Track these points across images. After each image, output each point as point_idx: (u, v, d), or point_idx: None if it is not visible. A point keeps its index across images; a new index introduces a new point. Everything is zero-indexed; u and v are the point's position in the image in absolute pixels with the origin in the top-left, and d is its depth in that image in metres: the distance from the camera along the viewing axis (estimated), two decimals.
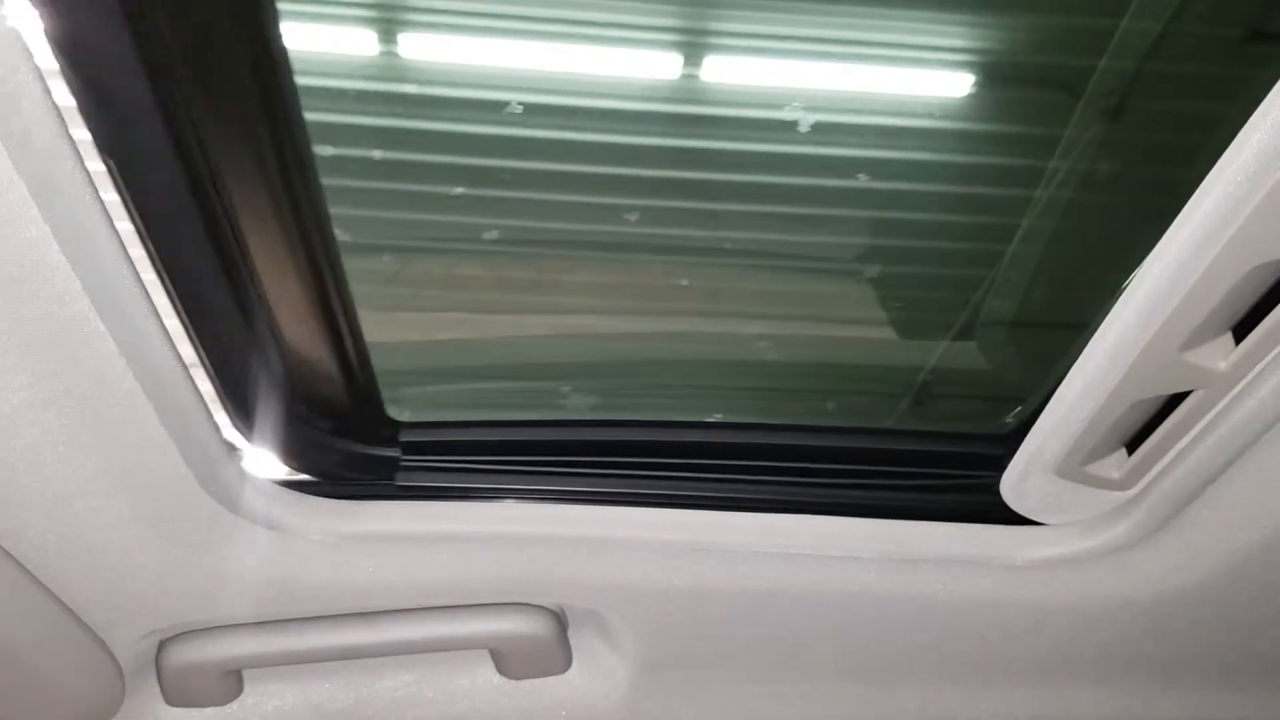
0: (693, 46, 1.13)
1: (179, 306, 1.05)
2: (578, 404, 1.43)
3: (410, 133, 1.16)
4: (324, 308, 1.12)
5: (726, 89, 1.16)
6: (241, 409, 1.17)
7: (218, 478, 1.15)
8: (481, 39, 1.11)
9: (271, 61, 0.91)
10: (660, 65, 1.15)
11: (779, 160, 1.19)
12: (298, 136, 0.97)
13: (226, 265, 1.03)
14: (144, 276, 0.96)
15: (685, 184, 1.25)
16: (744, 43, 1.12)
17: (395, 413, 1.30)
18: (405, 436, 1.30)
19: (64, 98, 0.82)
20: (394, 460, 1.30)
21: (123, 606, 1.24)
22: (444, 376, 1.40)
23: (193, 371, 1.08)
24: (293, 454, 1.25)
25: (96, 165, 0.88)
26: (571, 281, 1.36)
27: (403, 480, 1.29)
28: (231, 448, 1.20)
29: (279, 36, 0.90)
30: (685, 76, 1.15)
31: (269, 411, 1.20)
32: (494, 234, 1.25)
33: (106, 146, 0.90)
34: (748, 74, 1.14)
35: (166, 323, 1.00)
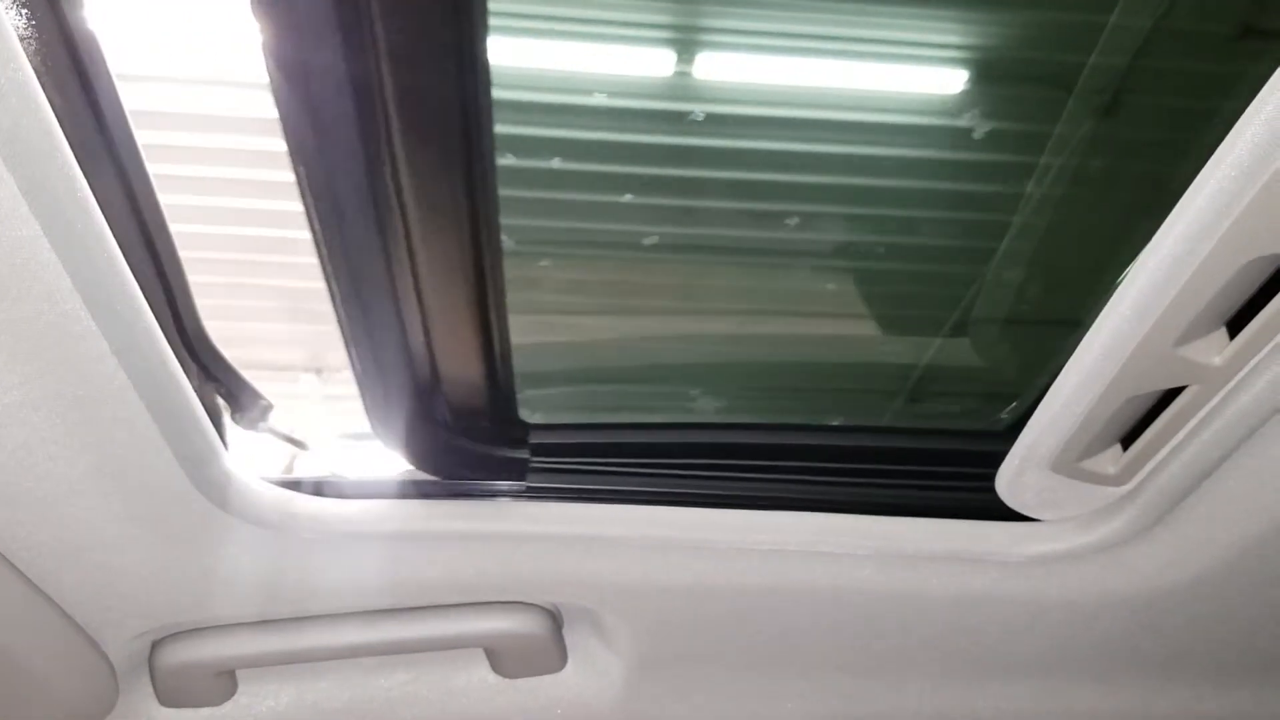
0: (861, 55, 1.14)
1: (339, 306, 1.08)
2: (702, 406, 1.44)
3: (592, 143, 1.19)
4: (480, 313, 1.14)
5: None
6: (380, 410, 1.21)
7: (210, 477, 1.15)
8: (665, 50, 1.13)
9: (474, 76, 0.93)
10: (830, 74, 1.16)
11: (774, 158, 1.19)
12: (485, 147, 0.99)
13: (393, 270, 1.05)
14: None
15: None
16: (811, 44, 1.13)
17: (525, 414, 1.31)
18: (534, 438, 1.31)
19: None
20: (524, 462, 1.31)
21: (115, 606, 1.24)
22: (576, 378, 1.42)
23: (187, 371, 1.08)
24: (424, 456, 1.27)
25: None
26: (717, 286, 1.37)
27: (532, 481, 1.30)
28: (223, 447, 1.19)
29: (484, 51, 0.93)
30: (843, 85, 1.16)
31: (407, 413, 1.22)
32: (653, 239, 1.27)
33: (300, 153, 0.94)
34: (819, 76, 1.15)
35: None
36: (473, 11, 0.88)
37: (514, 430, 1.30)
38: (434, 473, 1.29)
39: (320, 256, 1.03)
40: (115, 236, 0.92)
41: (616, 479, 1.32)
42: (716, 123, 1.16)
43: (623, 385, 1.45)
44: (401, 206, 1.00)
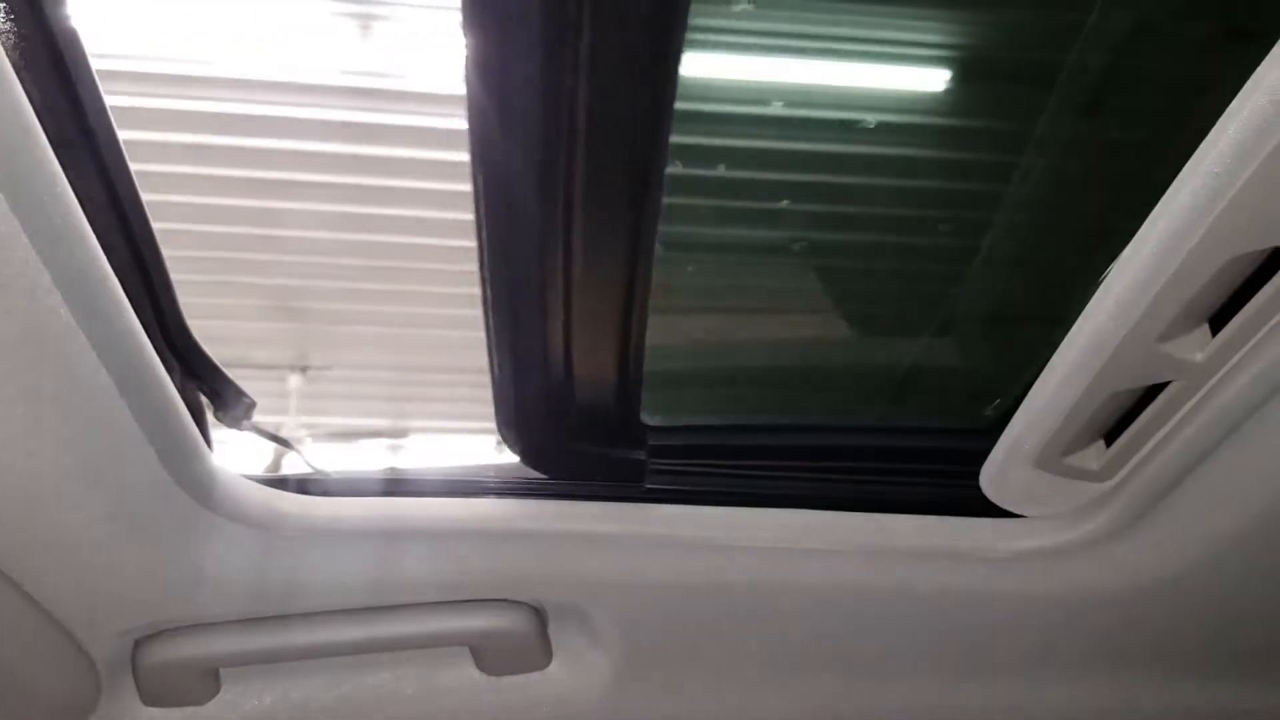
0: None
1: (489, 310, 1.12)
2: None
3: (760, 152, 1.20)
4: (624, 319, 1.16)
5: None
6: (509, 412, 1.25)
7: (193, 474, 1.14)
8: (844, 63, 1.14)
9: (664, 87, 0.96)
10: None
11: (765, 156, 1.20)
12: (659, 157, 1.01)
13: (546, 275, 1.08)
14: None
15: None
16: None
17: (646, 416, 1.31)
18: (653, 440, 1.32)
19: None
20: (642, 463, 1.31)
21: (98, 605, 1.23)
22: (697, 380, 1.42)
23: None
24: (545, 458, 1.30)
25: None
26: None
27: (651, 484, 1.31)
28: (206, 444, 1.19)
29: (678, 64, 0.95)
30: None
31: (535, 416, 1.26)
32: (801, 245, 1.27)
33: (482, 160, 0.97)
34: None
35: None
36: (675, 26, 0.91)
37: (634, 432, 1.31)
38: (555, 475, 1.32)
39: (481, 261, 1.07)
40: (96, 233, 0.91)
41: (742, 482, 1.34)
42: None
43: (746, 388, 1.45)
44: (568, 214, 1.02)
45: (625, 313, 1.14)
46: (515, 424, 1.26)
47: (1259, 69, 0.83)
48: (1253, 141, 0.84)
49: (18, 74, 0.79)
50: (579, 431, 1.28)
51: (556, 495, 1.30)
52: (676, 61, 0.94)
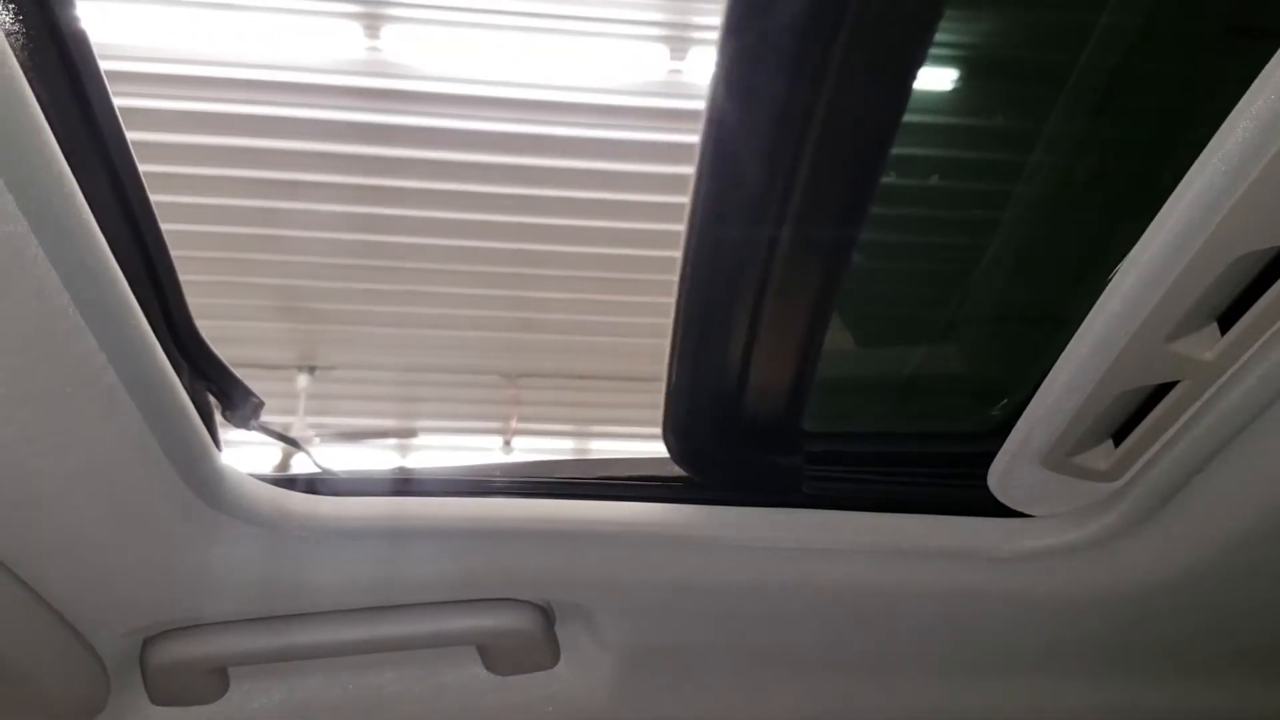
0: None
1: (680, 316, 1.13)
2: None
3: (963, 161, 1.21)
4: (810, 330, 1.17)
5: None
6: (680, 420, 1.26)
7: (200, 474, 1.14)
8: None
9: (898, 100, 0.97)
10: None
11: None
12: (878, 168, 1.03)
13: (744, 285, 1.10)
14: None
15: None
16: None
17: (808, 424, 1.31)
18: (811, 446, 1.32)
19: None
20: (799, 469, 1.32)
21: (106, 605, 1.23)
22: (856, 385, 1.42)
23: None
24: (709, 467, 1.32)
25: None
26: None
27: (808, 489, 1.32)
28: (215, 444, 1.19)
29: (915, 77, 0.96)
30: None
31: (704, 424, 1.27)
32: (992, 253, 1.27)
33: (711, 168, 0.99)
34: None
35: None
36: (922, 40, 0.93)
37: (794, 438, 1.31)
38: (711, 483, 1.32)
39: (683, 269, 1.09)
40: (104, 233, 0.92)
41: (899, 488, 1.35)
42: None
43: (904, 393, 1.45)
44: (778, 227, 1.04)
45: (814, 322, 1.16)
46: (683, 429, 1.28)
47: (1268, 66, 0.83)
48: (1260, 140, 0.84)
49: (26, 75, 0.79)
50: (745, 440, 1.29)
51: (569, 494, 1.30)
52: (915, 73, 0.96)
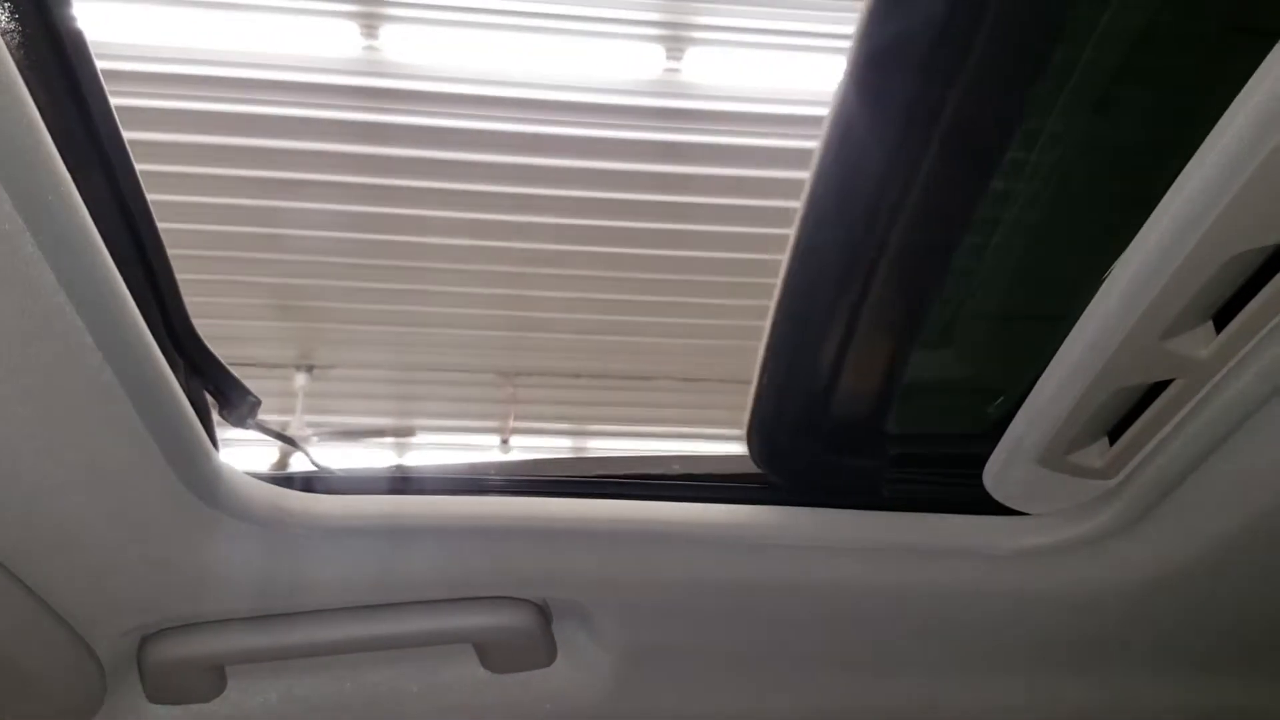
0: None
1: (778, 318, 1.14)
2: None
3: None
4: (907, 333, 1.19)
5: None
6: (767, 423, 1.27)
7: (198, 473, 1.14)
8: None
9: (1018, 104, 0.99)
10: None
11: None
12: (990, 170, 1.04)
13: (845, 287, 1.11)
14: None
15: None
16: None
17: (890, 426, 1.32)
18: (894, 449, 1.32)
19: None
20: (880, 470, 1.32)
21: (103, 603, 1.23)
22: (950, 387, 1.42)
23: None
24: (792, 469, 1.33)
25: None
26: None
27: (888, 493, 1.32)
28: (212, 442, 1.19)
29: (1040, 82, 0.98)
30: None
31: (790, 427, 1.28)
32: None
33: (831, 167, 1.00)
34: None
35: None
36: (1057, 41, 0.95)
37: (878, 442, 1.32)
38: (794, 485, 1.33)
39: (789, 269, 1.10)
40: (101, 232, 0.92)
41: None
42: None
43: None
44: (890, 226, 1.05)
45: (912, 325, 1.17)
46: (768, 431, 1.29)
47: (1263, 64, 0.83)
48: (1255, 138, 0.84)
49: (22, 73, 0.80)
50: (830, 443, 1.30)
51: (558, 493, 1.30)
52: (1038, 78, 0.97)
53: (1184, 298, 0.97)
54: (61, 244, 0.85)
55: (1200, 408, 1.11)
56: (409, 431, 7.59)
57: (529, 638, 1.38)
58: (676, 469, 1.38)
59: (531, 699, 1.44)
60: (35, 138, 0.81)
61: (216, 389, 1.23)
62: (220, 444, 1.22)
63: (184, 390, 1.12)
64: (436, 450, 7.68)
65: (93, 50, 0.97)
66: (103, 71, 0.99)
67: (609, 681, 1.44)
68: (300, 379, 7.32)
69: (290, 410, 7.05)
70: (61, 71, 0.94)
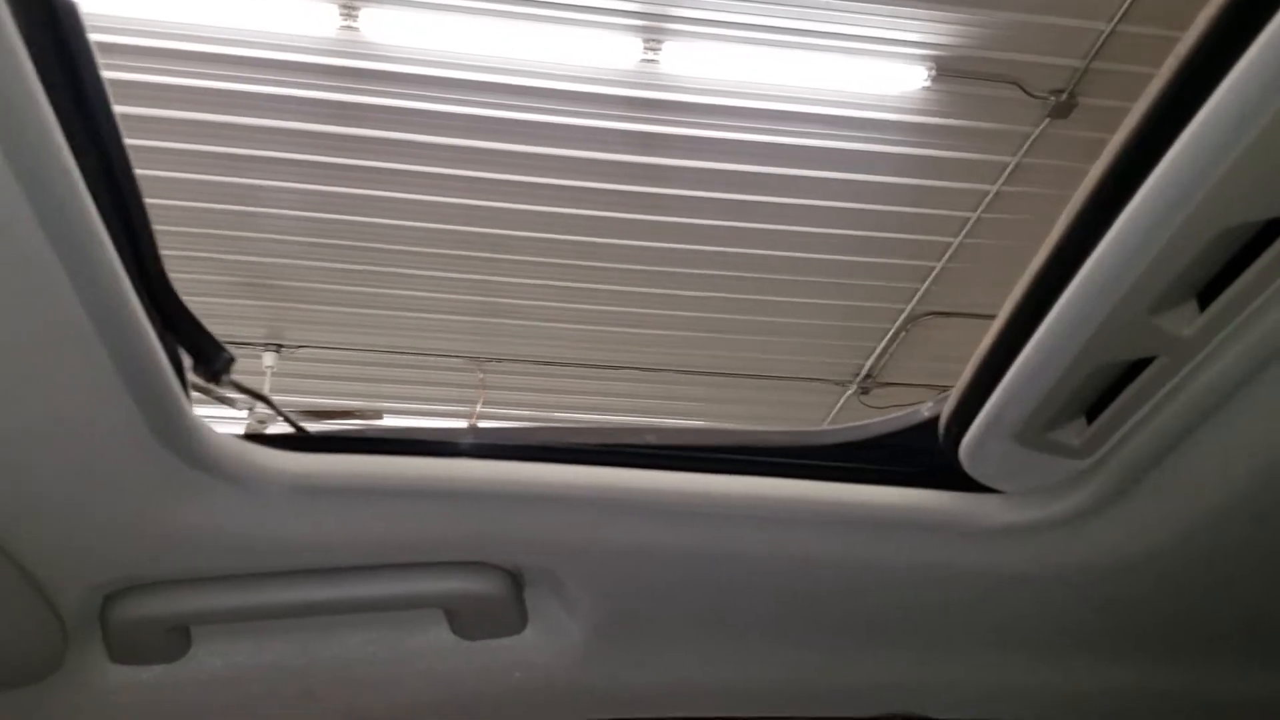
0: None
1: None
2: None
3: None
4: None
5: None
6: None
7: (172, 426, 1.12)
8: None
9: None
10: None
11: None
12: None
13: None
14: None
15: None
16: None
17: None
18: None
19: None
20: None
21: (66, 559, 1.21)
22: None
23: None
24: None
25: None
26: None
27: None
28: (186, 397, 1.17)
29: None
30: None
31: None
32: None
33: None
34: None
35: None
36: None
37: None
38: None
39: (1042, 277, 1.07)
40: (80, 169, 0.90)
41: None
42: None
43: None
44: None
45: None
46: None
47: (1255, 40, 0.83)
48: (1248, 112, 0.84)
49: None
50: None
51: (535, 458, 1.29)
52: None
53: (1172, 272, 0.97)
54: (38, 175, 0.83)
55: (1180, 388, 1.11)
56: (377, 414, 7.58)
57: (500, 604, 1.37)
58: (651, 439, 1.37)
59: (501, 666, 1.43)
60: (19, 83, 0.79)
61: (191, 344, 1.21)
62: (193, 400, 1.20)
63: (160, 344, 1.10)
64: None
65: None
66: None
67: (579, 649, 1.43)
68: (269, 358, 7.29)
69: (260, 389, 7.01)
70: (48, 22, 0.92)
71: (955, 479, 1.29)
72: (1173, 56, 0.90)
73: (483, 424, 7.74)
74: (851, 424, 1.40)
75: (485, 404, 7.61)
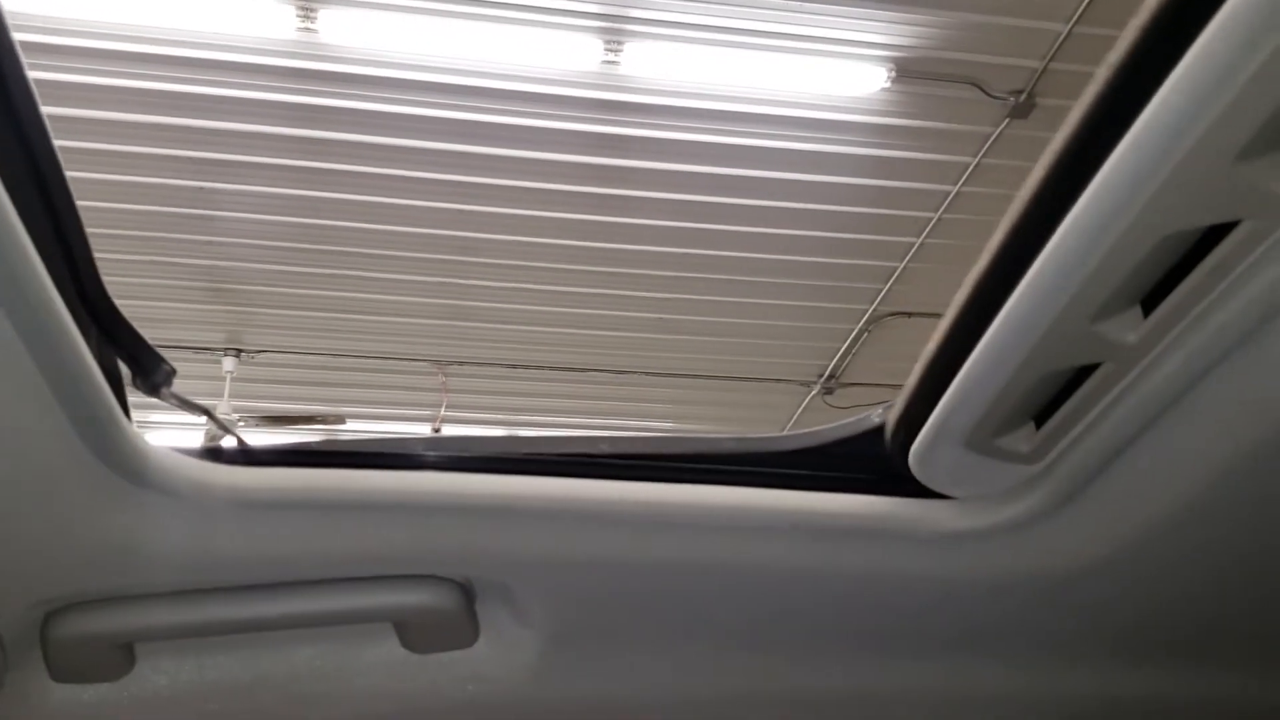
0: None
1: None
2: None
3: None
4: None
5: None
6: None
7: (108, 440, 1.10)
8: None
9: None
10: None
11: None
12: None
13: None
14: None
15: None
16: None
17: None
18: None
19: None
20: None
21: (6, 576, 1.19)
22: None
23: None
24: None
25: None
26: None
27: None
28: (124, 411, 1.15)
29: None
30: None
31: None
32: None
33: None
34: None
35: None
36: None
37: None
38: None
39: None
40: (5, 182, 0.88)
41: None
42: None
43: None
44: None
45: None
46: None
47: (1193, 46, 0.83)
48: (1188, 117, 0.84)
49: None
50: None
51: (484, 470, 1.28)
52: None
53: (1115, 279, 0.97)
54: None
55: (1126, 393, 1.11)
56: (340, 419, 7.54)
57: (451, 617, 1.35)
58: (604, 449, 1.36)
59: (453, 679, 1.41)
60: None
61: (129, 356, 1.19)
62: (135, 423, 1.18)
63: (95, 356, 1.08)
64: (368, 438, 7.63)
65: (19, 22, 0.93)
66: (38, 45, 0.95)
67: (532, 662, 1.42)
68: (228, 363, 7.24)
69: (218, 394, 6.97)
70: None
71: (907, 485, 1.29)
72: (1105, 65, 0.90)
73: (447, 429, 7.71)
74: (804, 430, 1.40)
75: (450, 408, 7.59)
